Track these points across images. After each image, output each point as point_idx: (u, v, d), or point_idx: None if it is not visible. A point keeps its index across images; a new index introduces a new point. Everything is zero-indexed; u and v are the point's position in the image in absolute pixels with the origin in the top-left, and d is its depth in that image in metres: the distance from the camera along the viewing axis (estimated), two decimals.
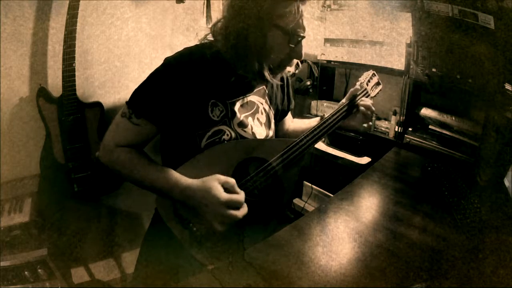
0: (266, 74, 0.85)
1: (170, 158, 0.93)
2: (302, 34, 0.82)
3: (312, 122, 1.07)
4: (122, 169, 0.85)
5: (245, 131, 0.91)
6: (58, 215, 1.63)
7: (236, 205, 0.81)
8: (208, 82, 0.85)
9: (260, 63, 0.83)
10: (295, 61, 0.89)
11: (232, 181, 0.82)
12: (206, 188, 0.80)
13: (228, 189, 0.81)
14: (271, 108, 1.01)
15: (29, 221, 1.43)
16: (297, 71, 0.94)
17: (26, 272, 1.33)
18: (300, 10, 0.78)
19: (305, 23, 0.81)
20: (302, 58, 0.86)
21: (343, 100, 1.03)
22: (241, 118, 0.90)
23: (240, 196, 0.82)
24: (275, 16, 0.78)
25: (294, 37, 0.81)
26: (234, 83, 0.89)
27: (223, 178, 0.82)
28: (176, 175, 0.84)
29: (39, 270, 1.35)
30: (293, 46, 0.82)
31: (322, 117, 1.03)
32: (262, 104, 0.97)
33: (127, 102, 0.85)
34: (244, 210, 0.82)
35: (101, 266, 1.79)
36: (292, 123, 1.16)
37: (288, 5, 0.77)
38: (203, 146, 0.86)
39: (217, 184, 0.80)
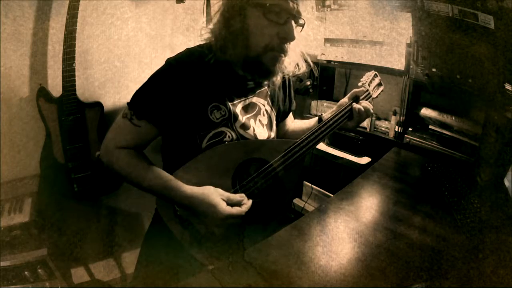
0: (263, 66, 0.83)
1: (171, 158, 0.93)
2: (291, 13, 0.79)
3: (311, 121, 1.07)
4: (121, 171, 0.85)
5: (247, 133, 0.91)
6: (58, 215, 1.63)
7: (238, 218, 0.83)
8: (209, 84, 0.85)
9: (250, 48, 0.81)
10: (292, 51, 0.86)
11: (234, 197, 0.84)
12: (210, 205, 0.81)
13: (231, 205, 0.83)
14: (273, 110, 1.00)
15: (29, 221, 1.43)
16: (300, 73, 0.93)
17: (26, 272, 1.33)
18: None
19: (295, 8, 0.78)
20: (294, 39, 0.82)
21: (345, 100, 1.00)
22: (243, 120, 0.90)
23: (243, 209, 0.83)
24: None
25: (278, 14, 0.78)
26: (235, 84, 0.88)
27: (225, 194, 0.83)
28: (175, 182, 0.84)
29: (39, 270, 1.35)
30: (280, 24, 0.79)
31: (320, 117, 1.03)
32: (264, 105, 0.97)
33: (128, 103, 0.85)
34: (244, 207, 0.83)
35: (101, 266, 1.79)
36: (292, 123, 1.15)
37: None
38: (204, 147, 0.86)
39: (221, 201, 0.81)
